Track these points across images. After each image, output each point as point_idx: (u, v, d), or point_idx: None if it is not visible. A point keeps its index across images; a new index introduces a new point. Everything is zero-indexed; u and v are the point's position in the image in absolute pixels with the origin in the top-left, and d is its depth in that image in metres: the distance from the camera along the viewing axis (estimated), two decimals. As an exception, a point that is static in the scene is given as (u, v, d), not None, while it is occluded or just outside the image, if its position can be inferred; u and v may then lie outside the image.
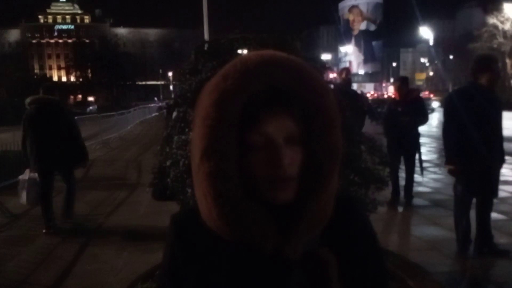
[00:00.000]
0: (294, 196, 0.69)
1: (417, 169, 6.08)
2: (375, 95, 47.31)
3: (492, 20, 50.22)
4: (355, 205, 0.83)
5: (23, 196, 5.08)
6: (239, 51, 2.41)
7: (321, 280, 0.69)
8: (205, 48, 2.44)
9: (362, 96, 5.12)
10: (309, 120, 0.69)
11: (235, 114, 0.66)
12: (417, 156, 6.01)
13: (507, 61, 49.35)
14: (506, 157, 4.10)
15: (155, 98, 46.51)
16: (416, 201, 6.03)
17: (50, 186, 5.15)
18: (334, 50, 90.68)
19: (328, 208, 0.72)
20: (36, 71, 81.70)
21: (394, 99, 6.16)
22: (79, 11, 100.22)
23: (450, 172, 3.98)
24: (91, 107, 46.89)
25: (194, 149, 0.70)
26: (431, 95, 43.75)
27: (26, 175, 5.08)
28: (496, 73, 3.76)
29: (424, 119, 5.93)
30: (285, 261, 0.69)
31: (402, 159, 6.03)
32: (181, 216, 0.84)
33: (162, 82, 72.99)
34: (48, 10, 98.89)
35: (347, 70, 6.02)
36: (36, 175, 5.00)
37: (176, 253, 0.79)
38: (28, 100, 5.15)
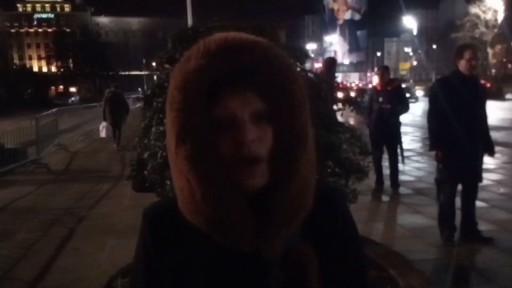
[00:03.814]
0: (264, 184, 0.68)
1: (400, 158, 6.14)
2: (360, 85, 47.46)
3: (474, 9, 50.82)
4: (335, 196, 0.81)
5: (102, 134, 11.44)
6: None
7: (300, 277, 0.68)
8: (183, 36, 2.38)
9: (344, 86, 5.11)
10: (275, 103, 0.68)
11: (201, 94, 0.66)
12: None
13: (489, 50, 50.10)
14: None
15: (139, 89, 45.86)
16: (400, 189, 6.10)
17: (115, 128, 11.17)
18: (319, 39, 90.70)
19: (304, 199, 0.70)
20: (16, 61, 79.51)
21: (375, 88, 6.21)
22: None
23: (436, 158, 4.09)
24: (73, 98, 46.01)
25: (169, 136, 0.69)
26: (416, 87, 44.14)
27: (104, 124, 11.34)
28: (468, 60, 3.81)
29: (404, 108, 6.03)
30: (264, 258, 0.68)
31: (384, 148, 6.08)
32: (154, 209, 0.80)
33: (146, 72, 71.92)
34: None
35: (334, 61, 5.96)
36: (109, 125, 11.19)
37: (149, 249, 0.76)
38: (107, 90, 11.88)
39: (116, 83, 12.84)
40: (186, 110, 0.66)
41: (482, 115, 3.99)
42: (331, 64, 5.75)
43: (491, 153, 4.10)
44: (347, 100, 2.72)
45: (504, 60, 53.50)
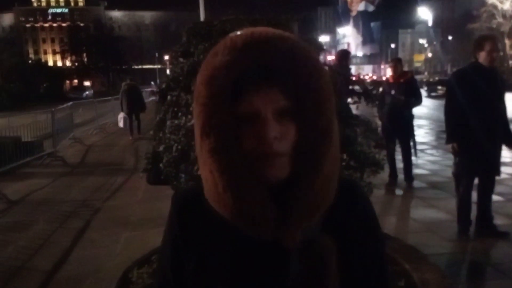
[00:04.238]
0: (287, 175, 0.69)
1: (412, 150, 6.09)
2: (374, 77, 46.91)
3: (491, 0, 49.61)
4: (357, 190, 0.82)
5: (121, 124, 12.01)
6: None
7: (318, 268, 0.70)
8: (197, 30, 2.38)
9: (359, 79, 5.06)
10: (300, 99, 0.68)
11: (226, 90, 0.67)
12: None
13: (506, 41, 48.99)
14: None
15: (152, 83, 46.18)
16: (414, 183, 6.05)
17: (132, 119, 11.90)
18: (332, 31, 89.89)
19: (326, 193, 0.71)
20: (31, 55, 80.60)
21: (388, 81, 6.15)
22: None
23: (451, 151, 4.03)
24: (87, 92, 46.52)
25: (195, 129, 0.71)
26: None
27: (121, 115, 11.94)
28: (489, 51, 3.75)
29: (417, 101, 5.97)
30: (284, 247, 0.70)
31: (397, 141, 6.04)
32: (183, 195, 0.85)
33: (159, 66, 72.26)
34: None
35: (346, 54, 5.89)
36: (125, 115, 11.83)
37: (176, 233, 0.80)
38: (123, 83, 12.49)
39: (131, 76, 14.12)
40: (210, 105, 0.68)
41: (501, 108, 3.92)
42: (343, 56, 5.68)
43: (511, 146, 4.03)
44: (362, 93, 2.69)
45: (522, 51, 52.31)
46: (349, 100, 3.00)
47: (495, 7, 49.42)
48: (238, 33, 0.71)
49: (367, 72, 71.50)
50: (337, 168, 0.73)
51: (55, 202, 5.84)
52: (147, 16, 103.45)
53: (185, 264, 0.78)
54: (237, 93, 0.68)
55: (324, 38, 64.12)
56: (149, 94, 22.44)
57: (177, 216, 0.81)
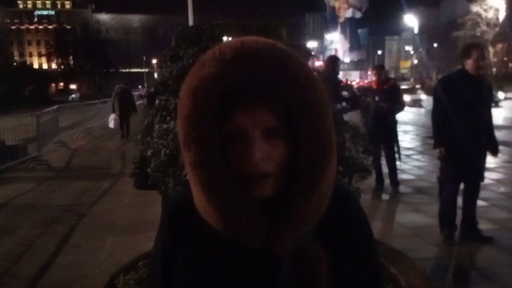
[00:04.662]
0: (273, 193, 0.67)
1: (396, 155, 6.16)
2: (361, 83, 47.37)
3: (475, 8, 50.66)
4: (350, 198, 0.81)
5: (112, 124, 12.38)
6: (223, 38, 2.36)
7: (308, 276, 0.68)
8: (187, 34, 2.38)
9: (347, 85, 5.11)
10: (294, 114, 0.65)
11: (210, 103, 0.64)
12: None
13: (490, 49, 50.02)
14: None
15: (140, 86, 45.95)
16: (400, 188, 6.11)
17: (123, 121, 12.38)
18: (320, 37, 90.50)
19: (323, 204, 0.69)
20: (16, 58, 79.53)
21: (371, 87, 6.24)
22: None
23: (439, 156, 4.09)
24: (73, 95, 46.08)
25: (180, 139, 0.69)
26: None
27: (112, 116, 12.37)
28: (475, 59, 3.81)
29: (400, 107, 6.09)
30: (274, 255, 0.68)
31: (382, 146, 6.11)
32: (174, 202, 0.84)
33: (146, 70, 71.88)
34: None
35: (335, 60, 5.95)
36: (117, 117, 12.29)
37: (167, 239, 0.79)
38: (117, 86, 12.99)
39: (125, 81, 15.10)
40: (192, 117, 0.65)
41: (486, 115, 3.98)
42: (332, 62, 5.73)
43: (495, 153, 4.09)
44: (350, 99, 2.72)
45: (505, 59, 53.49)
46: (337, 105, 3.03)
47: (479, 15, 50.46)
48: (228, 42, 0.68)
49: (354, 78, 72.11)
50: (334, 180, 0.71)
51: (39, 207, 5.73)
52: (135, 19, 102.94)
53: (175, 272, 0.77)
54: (224, 108, 0.65)
55: (312, 44, 64.55)
56: (136, 97, 22.40)
57: (168, 223, 0.80)
